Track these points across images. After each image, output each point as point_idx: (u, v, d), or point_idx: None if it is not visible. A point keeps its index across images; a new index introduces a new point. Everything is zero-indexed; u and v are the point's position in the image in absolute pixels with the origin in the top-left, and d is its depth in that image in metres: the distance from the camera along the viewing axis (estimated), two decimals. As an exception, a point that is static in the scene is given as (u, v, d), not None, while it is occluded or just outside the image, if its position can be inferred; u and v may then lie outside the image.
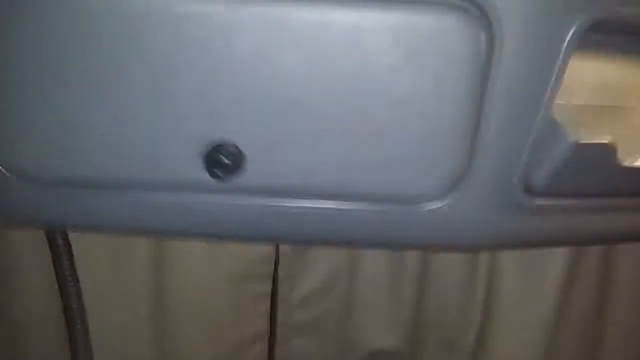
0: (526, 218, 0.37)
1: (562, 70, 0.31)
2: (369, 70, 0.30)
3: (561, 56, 0.31)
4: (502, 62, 0.30)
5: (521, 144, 0.34)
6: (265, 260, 0.54)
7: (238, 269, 0.54)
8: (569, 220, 0.39)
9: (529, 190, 0.36)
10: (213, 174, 0.31)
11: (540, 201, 0.37)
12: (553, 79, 0.31)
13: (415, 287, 0.57)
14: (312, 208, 0.35)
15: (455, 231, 0.37)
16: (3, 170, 0.33)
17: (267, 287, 0.55)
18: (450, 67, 0.30)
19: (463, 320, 0.59)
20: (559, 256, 0.55)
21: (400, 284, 0.57)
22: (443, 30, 0.29)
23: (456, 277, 0.57)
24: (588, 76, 0.36)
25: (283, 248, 0.53)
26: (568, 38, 0.30)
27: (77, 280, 0.48)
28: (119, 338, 0.55)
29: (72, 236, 0.47)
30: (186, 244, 0.52)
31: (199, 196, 0.34)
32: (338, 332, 0.59)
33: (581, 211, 0.38)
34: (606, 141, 0.34)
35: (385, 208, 0.35)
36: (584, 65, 0.35)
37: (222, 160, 0.31)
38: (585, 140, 0.33)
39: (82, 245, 0.48)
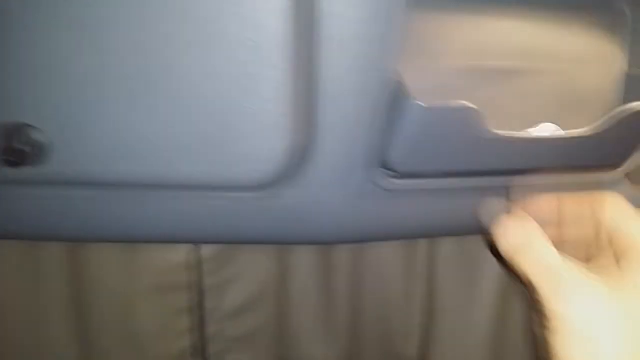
0: (388, 202, 0.34)
1: (397, 26, 0.29)
2: (183, 50, 0.27)
3: (393, 8, 0.28)
4: (326, 25, 0.28)
5: (367, 116, 0.30)
6: (186, 269, 0.51)
7: (159, 279, 0.51)
8: (436, 204, 0.35)
9: (386, 170, 0.33)
10: (8, 162, 0.27)
11: (401, 182, 0.33)
12: (388, 37, 0.28)
13: (350, 298, 0.55)
14: (134, 199, 0.31)
15: (308, 220, 0.33)
16: None
17: (192, 298, 0.52)
18: (270, 40, 0.27)
19: (404, 330, 0.56)
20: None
21: (334, 293, 0.55)
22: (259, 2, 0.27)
23: (394, 287, 0.55)
24: (473, 37, 0.34)
25: (205, 255, 0.51)
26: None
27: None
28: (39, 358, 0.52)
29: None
30: (103, 254, 0.49)
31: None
32: (274, 344, 0.56)
33: (448, 193, 0.34)
34: (465, 106, 0.29)
35: (221, 197, 0.31)
36: (466, 26, 0.34)
37: (18, 147, 0.27)
38: (438, 105, 0.30)
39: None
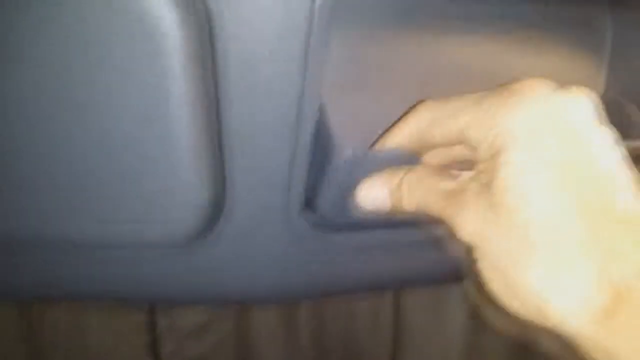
0: (316, 254, 0.30)
1: (319, 48, 0.24)
2: (80, 98, 0.24)
3: (314, 26, 0.24)
4: (229, 50, 0.24)
5: (288, 156, 0.26)
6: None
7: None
8: (376, 257, 0.31)
9: (315, 224, 0.29)
10: None
11: (334, 237, 0.29)
12: (309, 61, 0.24)
13: (311, 323, 0.52)
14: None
15: (229, 277, 0.29)
16: None
17: (143, 317, 0.50)
18: (159, 69, 0.23)
19: (371, 350, 0.53)
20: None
21: (294, 316, 0.52)
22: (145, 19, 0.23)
23: (361, 315, 0.51)
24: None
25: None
26: (316, 12, 0.23)
27: None
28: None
29: None
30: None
31: None
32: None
33: (384, 247, 0.30)
34: (400, 151, 0.25)
35: (135, 257, 0.28)
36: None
37: None
38: (371, 150, 0.26)
39: None
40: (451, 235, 0.24)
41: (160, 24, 0.23)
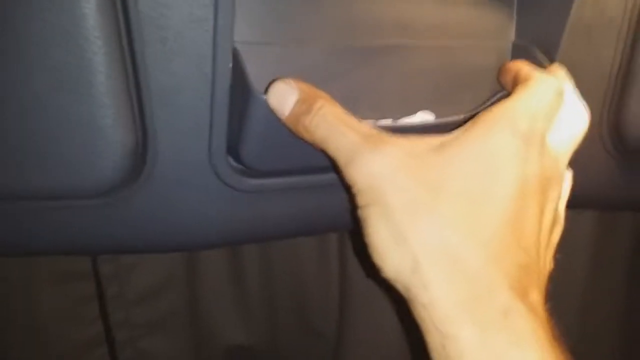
0: (243, 201, 0.31)
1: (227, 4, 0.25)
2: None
3: None
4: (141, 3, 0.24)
5: (205, 106, 0.27)
6: (80, 256, 0.48)
7: (55, 267, 0.49)
8: (296, 203, 0.32)
9: (239, 169, 0.29)
10: None
11: (255, 182, 0.30)
12: (220, 14, 0.25)
13: (261, 277, 0.53)
14: None
15: (157, 225, 0.30)
16: None
17: (91, 287, 0.50)
18: (78, 27, 0.24)
19: (320, 306, 0.54)
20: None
21: (245, 275, 0.53)
22: None
23: (306, 265, 0.52)
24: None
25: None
26: None
27: None
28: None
29: None
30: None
31: None
32: (188, 330, 0.54)
33: (308, 190, 0.31)
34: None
35: (62, 207, 0.29)
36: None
37: None
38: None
39: None
40: (342, 176, 0.25)
41: None
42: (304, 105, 0.26)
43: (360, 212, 0.25)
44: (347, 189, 0.25)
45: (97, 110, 0.25)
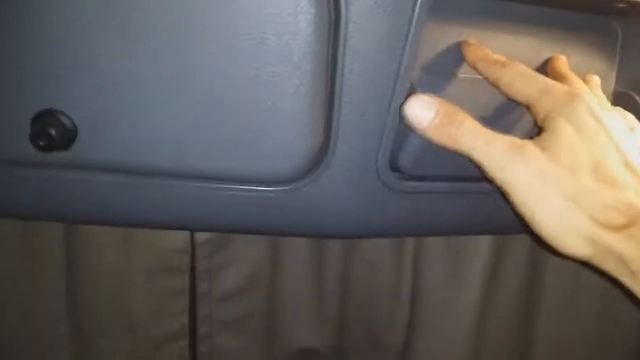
0: (396, 202, 0.36)
1: (416, 38, 0.30)
2: (212, 46, 0.29)
3: (413, 23, 0.30)
4: (350, 33, 0.29)
5: (382, 120, 0.32)
6: (180, 252, 0.52)
7: (153, 261, 0.52)
8: (442, 205, 0.37)
9: (397, 171, 0.35)
10: (39, 146, 0.29)
11: (410, 184, 0.35)
12: (407, 48, 0.30)
13: (339, 284, 0.57)
14: (157, 187, 0.32)
15: (321, 214, 0.35)
16: None
17: (185, 281, 0.54)
18: (295, 43, 0.29)
19: (390, 318, 0.58)
20: (483, 251, 0.54)
21: (324, 281, 0.56)
22: (286, 5, 0.28)
23: (381, 276, 0.56)
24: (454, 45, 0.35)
25: (199, 240, 0.53)
26: (418, 3, 0.29)
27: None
28: (35, 337, 0.53)
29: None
30: (98, 236, 0.51)
31: (25, 171, 0.31)
32: (263, 330, 0.58)
33: (453, 195, 0.36)
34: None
35: (240, 190, 0.33)
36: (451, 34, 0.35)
37: (48, 131, 0.28)
38: None
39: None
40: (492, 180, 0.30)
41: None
42: (446, 118, 0.31)
43: (521, 209, 0.30)
44: (500, 191, 0.31)
45: (297, 111, 0.30)
